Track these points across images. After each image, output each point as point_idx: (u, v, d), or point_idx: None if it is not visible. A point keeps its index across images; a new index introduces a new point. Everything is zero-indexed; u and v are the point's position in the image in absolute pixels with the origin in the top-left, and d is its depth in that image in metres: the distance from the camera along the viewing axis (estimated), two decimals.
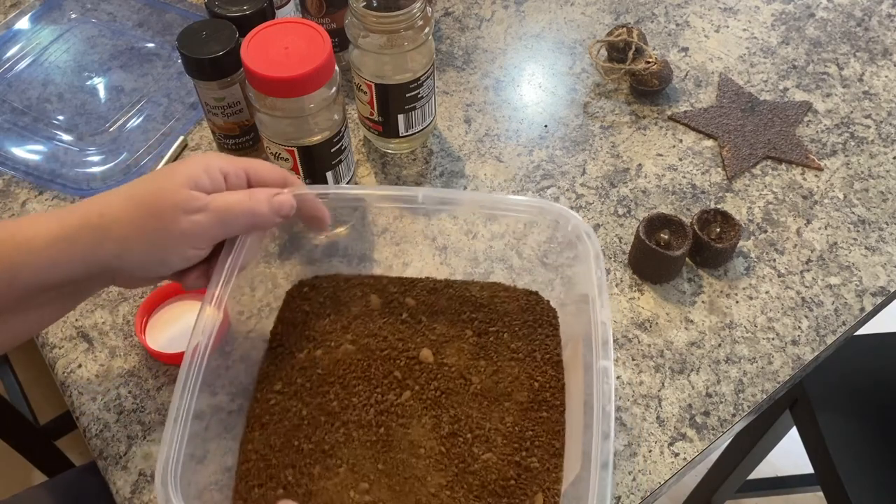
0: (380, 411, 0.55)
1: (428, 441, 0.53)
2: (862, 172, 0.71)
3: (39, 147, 0.71)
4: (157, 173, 0.47)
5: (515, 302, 0.59)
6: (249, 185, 0.49)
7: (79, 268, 0.45)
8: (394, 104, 0.65)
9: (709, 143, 0.73)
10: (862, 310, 0.62)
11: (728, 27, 0.83)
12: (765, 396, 0.57)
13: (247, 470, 0.52)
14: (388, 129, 0.68)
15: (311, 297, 0.60)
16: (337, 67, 0.57)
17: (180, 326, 0.59)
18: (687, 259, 0.64)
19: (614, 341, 0.51)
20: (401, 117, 0.66)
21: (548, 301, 0.59)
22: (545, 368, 0.56)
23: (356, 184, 0.69)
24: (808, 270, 0.64)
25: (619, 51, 0.75)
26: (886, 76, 0.78)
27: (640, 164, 0.71)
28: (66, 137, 0.72)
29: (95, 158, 0.70)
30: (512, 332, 0.58)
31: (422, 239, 0.63)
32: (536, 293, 0.59)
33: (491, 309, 0.59)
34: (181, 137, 0.71)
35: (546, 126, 0.74)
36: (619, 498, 0.53)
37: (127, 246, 0.45)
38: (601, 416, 0.43)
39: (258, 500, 0.51)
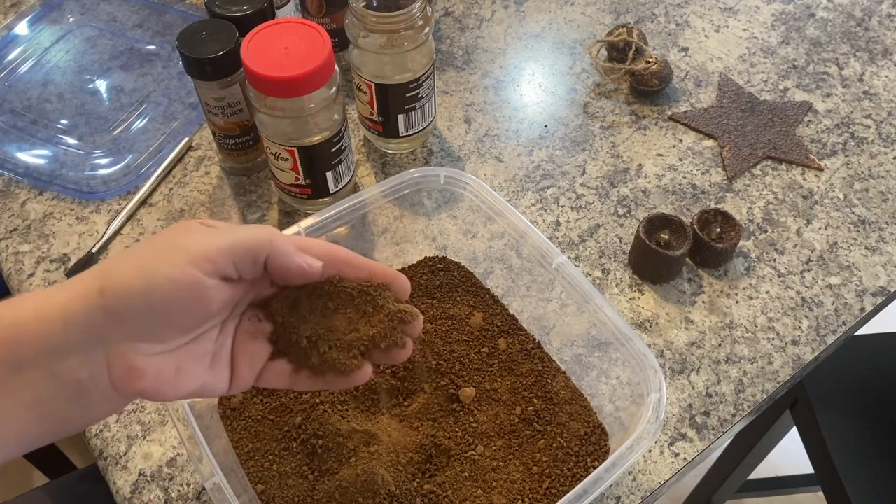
0: (394, 385, 0.55)
1: (394, 433, 0.53)
2: (862, 172, 0.71)
3: (43, 151, 0.71)
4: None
5: (577, 421, 0.54)
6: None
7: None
8: (394, 104, 0.65)
9: (709, 143, 0.73)
10: (862, 310, 0.62)
11: (728, 27, 0.83)
12: (765, 396, 0.57)
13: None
14: (388, 129, 0.68)
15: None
16: (337, 67, 0.57)
17: None
18: (687, 259, 0.64)
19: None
20: (401, 117, 0.66)
21: (605, 440, 0.53)
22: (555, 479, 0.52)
23: (356, 184, 0.69)
24: (809, 270, 0.64)
25: (619, 51, 0.75)
26: (886, 76, 0.78)
27: (640, 164, 0.71)
28: (70, 140, 0.71)
29: (102, 161, 0.70)
30: (549, 442, 0.53)
31: (422, 239, 0.63)
32: (603, 428, 0.54)
33: (553, 406, 0.54)
34: (185, 139, 0.71)
35: (546, 126, 0.74)
36: (619, 498, 0.53)
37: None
38: None
39: None
